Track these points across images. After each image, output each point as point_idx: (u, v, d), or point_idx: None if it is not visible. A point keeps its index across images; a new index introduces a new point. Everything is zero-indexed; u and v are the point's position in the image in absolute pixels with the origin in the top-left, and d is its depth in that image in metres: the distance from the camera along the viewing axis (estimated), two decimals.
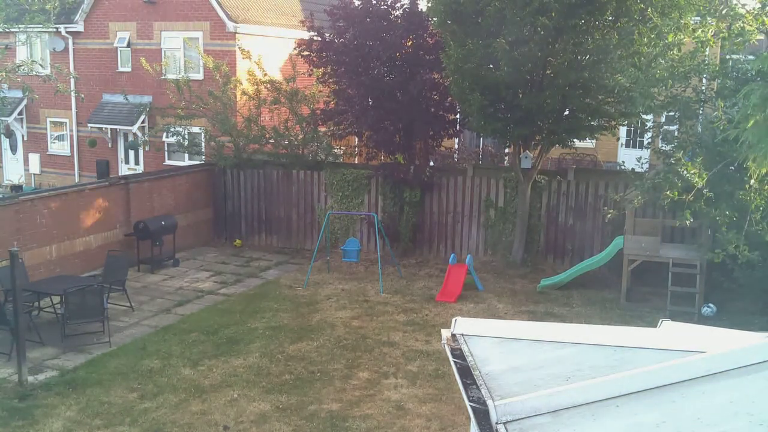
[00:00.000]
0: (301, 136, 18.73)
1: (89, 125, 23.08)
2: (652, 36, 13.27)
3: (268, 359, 11.23)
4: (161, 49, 21.73)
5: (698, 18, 11.61)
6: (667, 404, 3.33)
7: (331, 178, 17.86)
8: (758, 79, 9.08)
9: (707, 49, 11.25)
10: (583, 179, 16.29)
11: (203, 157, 19.87)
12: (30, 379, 10.34)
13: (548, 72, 14.71)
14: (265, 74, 18.71)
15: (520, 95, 14.81)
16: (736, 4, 10.37)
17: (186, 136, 19.47)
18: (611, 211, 13.36)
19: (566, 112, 14.81)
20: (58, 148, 24.58)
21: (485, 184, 16.90)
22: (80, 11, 22.64)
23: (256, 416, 9.38)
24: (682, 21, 12.90)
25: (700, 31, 10.53)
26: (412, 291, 14.88)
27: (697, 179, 10.50)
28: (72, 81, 21.81)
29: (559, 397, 3.42)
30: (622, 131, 21.63)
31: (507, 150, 20.95)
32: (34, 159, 24.82)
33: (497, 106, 15.05)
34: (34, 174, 24.95)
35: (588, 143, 20.47)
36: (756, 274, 12.30)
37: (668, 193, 11.08)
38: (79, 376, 10.53)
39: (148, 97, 21.98)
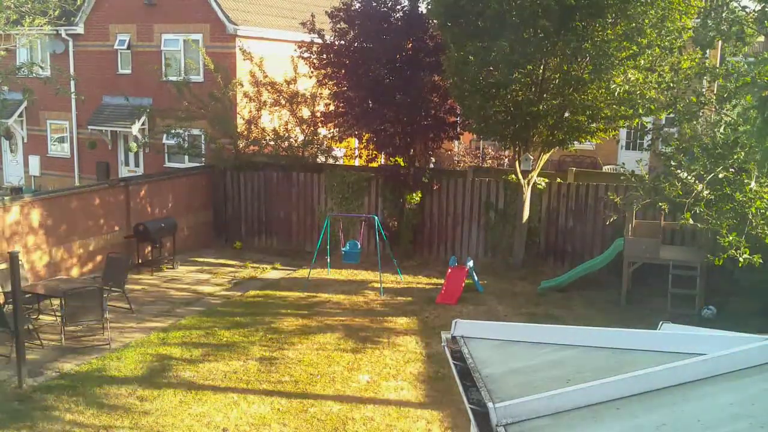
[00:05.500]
0: (301, 138, 18.74)
1: (89, 127, 23.08)
2: (653, 37, 13.26)
3: (268, 361, 11.22)
4: (161, 51, 21.74)
5: (698, 20, 11.61)
6: (667, 406, 3.33)
7: (331, 180, 17.86)
8: (758, 81, 9.07)
9: (708, 51, 11.26)
10: (583, 181, 16.30)
11: (203, 159, 19.87)
12: (29, 381, 10.33)
13: (548, 74, 14.72)
14: (266, 76, 18.73)
15: (520, 97, 14.82)
16: (736, 7, 10.37)
17: (186, 138, 19.47)
18: (613, 216, 13.36)
19: (566, 114, 14.81)
20: (59, 150, 24.59)
21: (485, 186, 16.90)
22: (80, 13, 22.65)
23: (256, 418, 9.37)
24: (682, 23, 12.91)
25: (701, 35, 10.53)
26: (413, 293, 14.87)
27: (696, 182, 10.50)
28: (72, 83, 21.81)
29: (560, 399, 3.42)
30: (622, 133, 21.62)
31: (507, 152, 20.96)
32: (34, 161, 24.82)
33: (497, 108, 15.05)
34: (34, 176, 24.94)
35: (588, 145, 20.46)
36: (756, 276, 12.30)
37: (668, 193, 11.08)
38: (79, 378, 10.52)
39: (148, 99, 21.98)
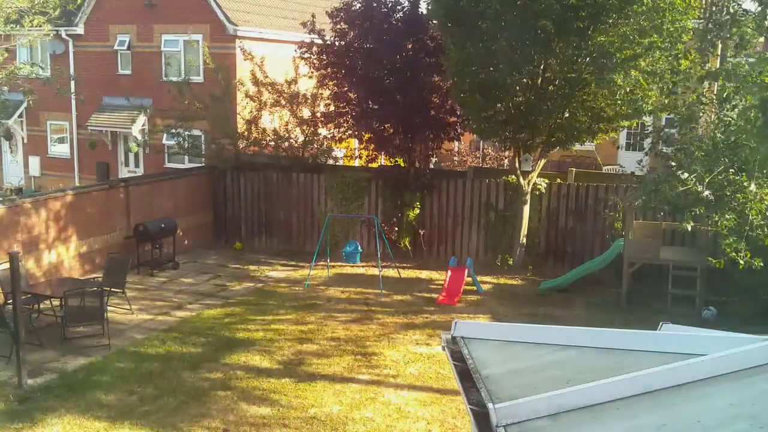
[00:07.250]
0: (301, 139, 18.75)
1: (89, 128, 23.09)
2: (654, 38, 13.25)
3: (268, 362, 11.22)
4: (161, 51, 21.75)
5: (699, 22, 11.62)
6: (667, 407, 3.33)
7: (331, 181, 17.86)
8: (758, 81, 9.07)
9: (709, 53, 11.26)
10: (583, 182, 16.30)
11: (203, 159, 19.87)
12: (29, 381, 10.32)
13: (548, 74, 14.71)
14: (266, 76, 18.73)
15: (520, 98, 14.81)
16: (737, 11, 10.39)
17: (186, 139, 19.50)
18: (617, 219, 13.35)
19: (566, 115, 14.82)
20: (59, 150, 24.59)
21: (485, 186, 16.90)
22: (80, 14, 22.67)
23: (256, 419, 9.36)
24: (682, 24, 12.90)
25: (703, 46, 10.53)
26: (412, 293, 14.87)
27: (697, 183, 10.49)
28: (72, 83, 21.82)
29: (560, 399, 3.42)
30: (622, 134, 21.64)
31: (507, 153, 20.95)
32: (34, 161, 24.84)
33: (497, 109, 15.05)
34: (34, 176, 24.96)
35: (588, 146, 20.46)
36: (756, 277, 12.29)
37: (668, 195, 11.08)
38: (79, 379, 10.52)
39: (149, 99, 21.99)
